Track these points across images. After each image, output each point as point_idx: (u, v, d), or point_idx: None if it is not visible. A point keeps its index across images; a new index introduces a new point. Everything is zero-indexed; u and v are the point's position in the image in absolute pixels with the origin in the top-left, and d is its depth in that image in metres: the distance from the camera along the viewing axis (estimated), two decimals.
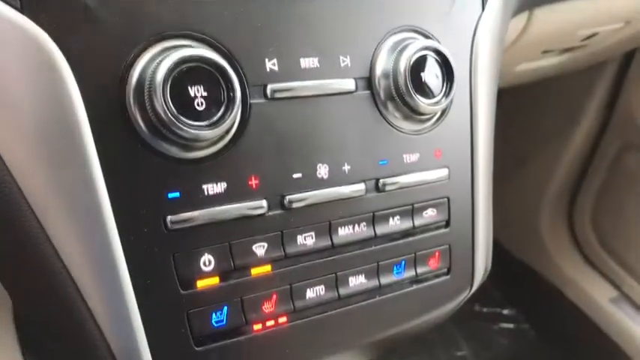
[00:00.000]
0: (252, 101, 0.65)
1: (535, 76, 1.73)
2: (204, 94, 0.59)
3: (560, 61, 1.55)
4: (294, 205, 0.68)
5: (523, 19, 1.12)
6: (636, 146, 1.90)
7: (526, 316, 2.29)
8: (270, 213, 0.67)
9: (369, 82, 0.73)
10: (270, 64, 0.66)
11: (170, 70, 0.56)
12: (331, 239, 0.72)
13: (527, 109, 2.23)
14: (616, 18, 1.33)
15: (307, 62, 0.68)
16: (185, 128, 0.57)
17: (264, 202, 0.66)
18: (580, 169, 2.13)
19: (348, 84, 0.71)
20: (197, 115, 0.58)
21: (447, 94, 0.74)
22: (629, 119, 1.90)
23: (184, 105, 0.57)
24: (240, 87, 0.62)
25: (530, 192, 2.25)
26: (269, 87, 0.66)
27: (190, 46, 0.60)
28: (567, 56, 1.53)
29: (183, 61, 0.57)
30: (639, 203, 1.93)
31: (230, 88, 0.60)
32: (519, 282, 2.34)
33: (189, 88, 0.58)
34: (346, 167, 0.72)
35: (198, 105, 0.58)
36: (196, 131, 0.58)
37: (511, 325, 2.26)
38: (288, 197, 0.68)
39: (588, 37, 1.39)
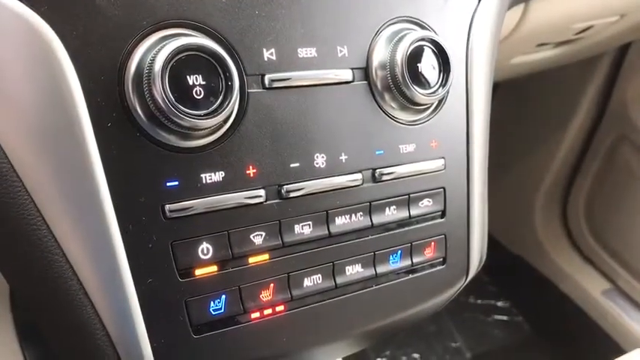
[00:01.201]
0: (250, 90, 0.65)
1: (530, 70, 1.73)
2: (203, 82, 0.59)
3: (555, 55, 1.56)
4: (292, 195, 0.69)
5: (519, 11, 1.13)
6: (630, 139, 1.91)
7: (520, 308, 2.30)
8: (267, 202, 0.68)
9: (366, 72, 0.73)
10: (268, 54, 0.66)
11: (168, 59, 0.56)
12: (328, 228, 0.72)
13: (522, 102, 2.24)
14: (611, 11, 1.33)
15: (305, 52, 0.68)
16: (183, 117, 0.57)
17: (261, 192, 0.67)
18: (574, 163, 2.15)
19: (345, 74, 0.71)
20: (195, 104, 0.58)
21: (443, 85, 0.75)
22: (623, 112, 1.92)
23: (183, 94, 0.58)
24: (238, 76, 0.62)
25: (524, 186, 2.26)
26: (267, 77, 0.66)
27: (188, 35, 0.61)
28: (562, 49, 1.54)
29: (182, 50, 0.57)
30: (632, 196, 1.94)
31: (228, 77, 0.60)
32: (513, 275, 2.36)
33: (187, 77, 0.58)
34: (343, 157, 0.72)
35: (196, 94, 0.58)
36: (194, 120, 0.58)
37: (505, 317, 2.27)
38: (285, 186, 0.68)
39: (583, 31, 1.40)
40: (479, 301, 2.31)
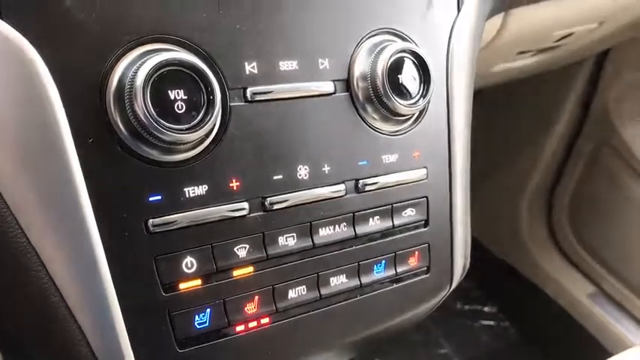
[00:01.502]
0: (232, 104, 0.66)
1: (511, 77, 1.75)
2: (184, 97, 0.59)
3: (536, 62, 1.57)
4: (275, 207, 0.69)
5: (499, 20, 1.14)
6: (611, 144, 1.93)
7: (506, 313, 2.32)
8: (251, 214, 0.68)
9: (347, 84, 0.73)
10: (250, 67, 0.66)
11: (150, 74, 0.56)
12: (312, 240, 0.72)
13: (504, 109, 2.26)
14: (590, 18, 1.35)
15: (286, 65, 0.69)
16: (165, 131, 0.57)
17: (245, 204, 0.67)
18: (557, 168, 2.17)
19: (327, 86, 0.72)
20: (177, 119, 0.58)
21: (424, 96, 0.75)
22: (605, 118, 1.94)
23: (164, 108, 0.58)
24: (220, 90, 0.62)
25: (509, 191, 2.28)
26: (249, 90, 0.66)
27: (170, 50, 0.61)
28: (542, 57, 1.55)
29: (163, 64, 0.57)
30: (614, 200, 1.96)
31: (210, 91, 0.60)
32: (499, 280, 2.37)
33: (169, 91, 0.58)
34: (326, 168, 0.72)
35: (178, 108, 0.58)
36: (177, 134, 0.58)
37: (491, 323, 2.28)
38: (269, 199, 0.68)
39: (563, 38, 1.42)
40: (465, 307, 2.32)
